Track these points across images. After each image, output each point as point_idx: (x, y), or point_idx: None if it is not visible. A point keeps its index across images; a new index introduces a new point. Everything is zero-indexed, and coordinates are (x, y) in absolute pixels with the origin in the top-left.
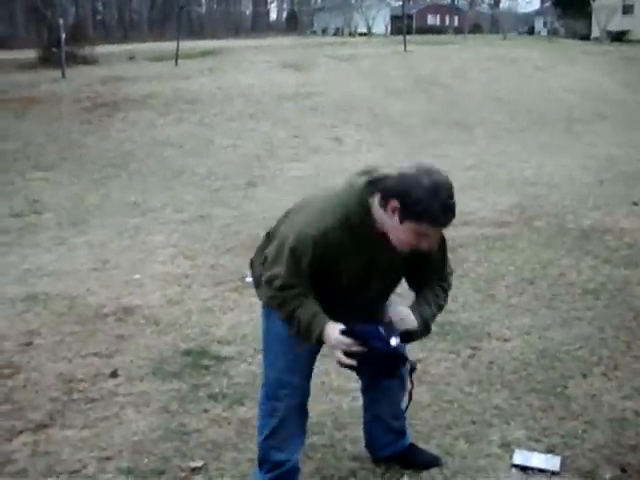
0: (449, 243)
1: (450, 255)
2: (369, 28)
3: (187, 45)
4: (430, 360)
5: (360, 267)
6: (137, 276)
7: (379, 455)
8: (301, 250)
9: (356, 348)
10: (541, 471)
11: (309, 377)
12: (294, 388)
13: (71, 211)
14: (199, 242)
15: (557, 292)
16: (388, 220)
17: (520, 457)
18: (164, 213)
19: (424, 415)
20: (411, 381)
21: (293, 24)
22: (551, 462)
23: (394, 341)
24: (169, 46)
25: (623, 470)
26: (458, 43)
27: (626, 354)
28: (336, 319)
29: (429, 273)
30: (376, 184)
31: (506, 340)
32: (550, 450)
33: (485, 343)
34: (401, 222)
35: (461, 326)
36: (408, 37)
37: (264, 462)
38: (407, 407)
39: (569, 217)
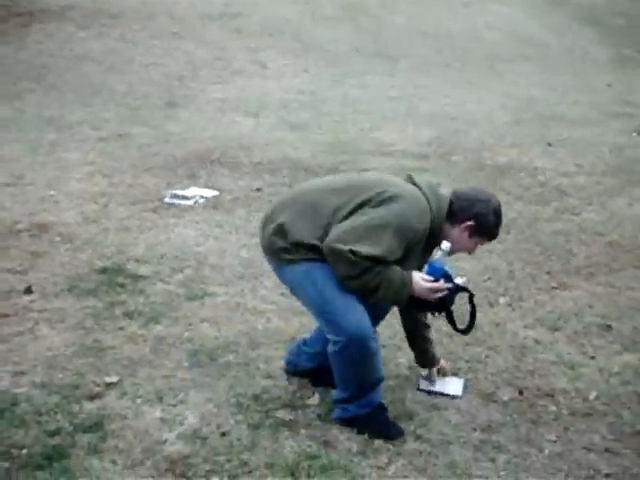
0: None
1: None
2: None
3: None
4: None
5: (417, 262)
6: (52, 193)
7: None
8: (403, 234)
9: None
10: (444, 394)
11: None
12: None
13: None
14: (117, 161)
15: None
16: (455, 233)
17: (425, 382)
18: (81, 130)
19: None
20: (473, 305)
21: None
22: (455, 384)
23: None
24: None
25: (520, 392)
26: None
27: (531, 286)
28: None
29: None
30: (452, 207)
31: None
32: (454, 373)
33: None
34: (470, 237)
35: None
36: None
37: (364, 395)
38: (470, 327)
39: (486, 153)
